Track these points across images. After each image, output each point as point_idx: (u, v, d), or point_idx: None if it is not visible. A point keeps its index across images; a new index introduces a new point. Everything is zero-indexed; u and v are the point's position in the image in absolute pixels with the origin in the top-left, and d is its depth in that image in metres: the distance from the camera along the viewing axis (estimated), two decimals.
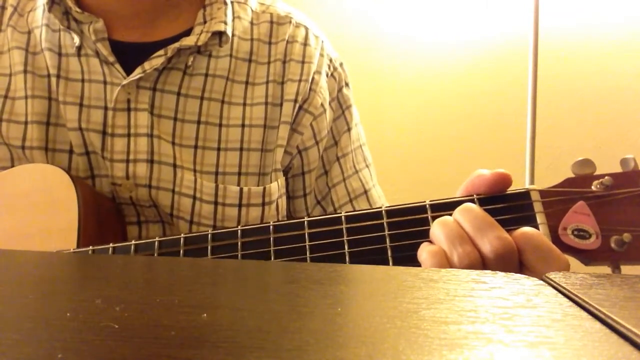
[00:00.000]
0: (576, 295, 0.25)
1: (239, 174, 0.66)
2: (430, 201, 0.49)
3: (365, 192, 0.73)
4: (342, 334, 0.21)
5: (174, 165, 0.64)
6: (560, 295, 0.25)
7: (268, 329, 0.21)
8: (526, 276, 0.28)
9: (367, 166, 0.75)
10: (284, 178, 0.69)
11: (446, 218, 0.46)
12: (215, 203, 0.64)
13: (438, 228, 0.46)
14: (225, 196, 0.64)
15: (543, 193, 0.48)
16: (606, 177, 0.47)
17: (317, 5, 1.83)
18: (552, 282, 0.27)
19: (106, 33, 0.65)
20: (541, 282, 0.27)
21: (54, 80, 0.64)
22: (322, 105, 0.70)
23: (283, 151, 0.68)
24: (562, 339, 0.20)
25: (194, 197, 0.64)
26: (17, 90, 0.65)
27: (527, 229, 0.45)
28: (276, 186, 0.67)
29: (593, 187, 0.47)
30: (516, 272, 0.43)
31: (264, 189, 0.66)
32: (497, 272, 0.29)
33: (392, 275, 0.31)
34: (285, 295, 0.26)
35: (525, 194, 0.48)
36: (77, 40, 0.65)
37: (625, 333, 0.20)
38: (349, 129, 0.73)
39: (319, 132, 0.70)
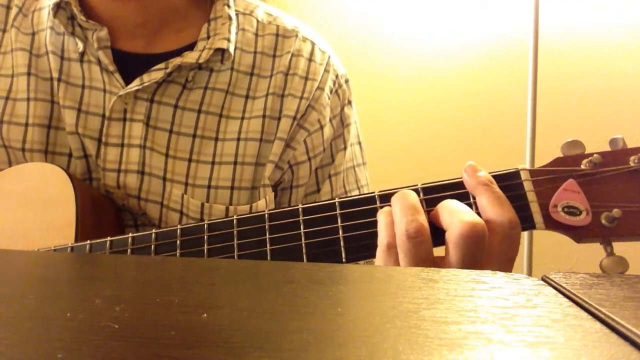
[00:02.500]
0: (576, 295, 0.25)
1: (232, 188, 0.65)
2: (422, 184, 0.50)
3: None
4: (342, 334, 0.21)
5: (164, 179, 0.63)
6: (560, 295, 0.25)
7: (268, 329, 0.21)
8: (526, 276, 0.28)
9: (358, 188, 0.73)
10: (273, 193, 0.68)
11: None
12: (201, 220, 0.64)
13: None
14: (211, 214, 0.64)
15: (533, 172, 0.48)
16: (595, 155, 0.48)
17: (317, 6, 1.83)
18: (552, 282, 0.27)
19: (109, 42, 0.65)
20: (541, 282, 0.27)
21: (56, 83, 0.64)
22: (319, 121, 0.69)
23: (274, 167, 0.67)
24: (562, 339, 0.20)
25: (181, 213, 0.64)
26: (18, 92, 0.65)
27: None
28: (264, 203, 0.66)
29: (582, 166, 0.48)
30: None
31: (251, 207, 0.65)
32: (497, 272, 0.29)
33: (392, 275, 0.31)
34: (285, 295, 0.26)
35: (515, 174, 0.48)
36: (80, 46, 0.65)
37: (625, 333, 0.20)
38: (344, 148, 0.72)
39: (312, 148, 0.68)
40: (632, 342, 0.20)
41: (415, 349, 0.19)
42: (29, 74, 0.65)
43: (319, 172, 0.70)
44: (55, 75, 0.65)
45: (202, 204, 0.64)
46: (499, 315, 0.22)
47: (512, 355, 0.18)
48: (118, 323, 0.20)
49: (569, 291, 0.25)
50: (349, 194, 0.72)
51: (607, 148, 0.49)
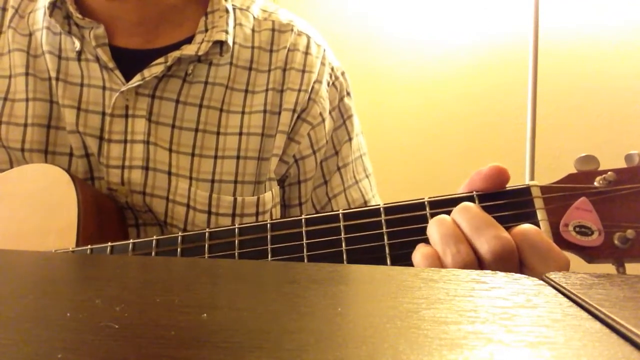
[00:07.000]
0: (576, 295, 0.25)
1: (235, 182, 0.65)
2: (429, 198, 0.48)
3: (365, 202, 0.73)
4: (342, 334, 0.21)
5: (169, 173, 0.64)
6: (560, 295, 0.25)
7: (268, 329, 0.21)
8: (526, 276, 0.28)
9: (367, 176, 0.75)
10: (279, 187, 0.69)
11: (443, 216, 0.45)
12: (209, 212, 0.64)
13: (433, 226, 0.45)
14: (219, 206, 0.64)
15: (544, 189, 0.47)
16: (609, 173, 0.46)
17: (318, 6, 1.83)
18: (552, 282, 0.27)
19: (107, 39, 0.65)
20: (541, 282, 0.27)
21: (54, 83, 0.64)
22: (320, 114, 0.69)
23: (278, 160, 0.67)
24: (562, 339, 0.20)
25: (188, 206, 0.64)
26: (17, 93, 0.65)
27: (525, 227, 0.43)
28: (270, 196, 0.67)
29: (596, 183, 0.46)
30: (516, 272, 0.43)
31: (258, 199, 0.66)
32: (497, 272, 0.29)
33: (392, 275, 0.30)
34: (285, 295, 0.26)
35: (526, 190, 0.47)
36: (77, 44, 0.64)
37: (625, 333, 0.20)
38: (349, 139, 0.73)
39: (316, 141, 0.69)
40: (632, 342, 0.20)
41: (415, 349, 0.19)
42: (27, 74, 0.65)
43: (323, 164, 0.71)
44: (53, 74, 0.64)
45: (210, 196, 0.64)
46: (499, 315, 0.22)
47: (512, 355, 0.18)
48: (118, 323, 0.20)
49: (569, 291, 0.25)
50: (359, 184, 0.73)
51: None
